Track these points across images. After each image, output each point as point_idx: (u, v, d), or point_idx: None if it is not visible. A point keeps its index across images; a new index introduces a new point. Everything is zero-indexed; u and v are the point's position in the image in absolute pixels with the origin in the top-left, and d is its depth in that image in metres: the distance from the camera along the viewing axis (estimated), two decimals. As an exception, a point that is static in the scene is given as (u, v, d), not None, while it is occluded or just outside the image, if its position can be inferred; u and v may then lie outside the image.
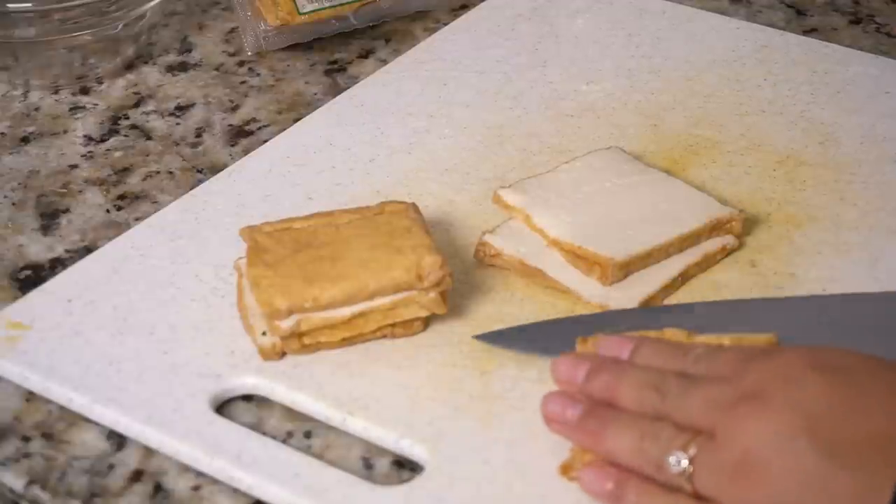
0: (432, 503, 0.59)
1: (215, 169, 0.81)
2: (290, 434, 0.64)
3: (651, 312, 0.68)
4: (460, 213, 0.76)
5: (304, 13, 0.92)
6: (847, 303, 0.68)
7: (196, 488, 0.61)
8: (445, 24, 0.95)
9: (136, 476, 0.62)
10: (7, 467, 0.63)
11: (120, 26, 0.90)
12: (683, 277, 0.70)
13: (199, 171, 0.82)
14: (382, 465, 0.62)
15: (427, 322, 0.68)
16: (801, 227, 0.75)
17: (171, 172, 0.82)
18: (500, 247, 0.71)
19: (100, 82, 0.91)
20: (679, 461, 0.55)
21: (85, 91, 0.90)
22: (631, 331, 0.62)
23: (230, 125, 0.87)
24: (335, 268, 0.66)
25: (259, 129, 0.86)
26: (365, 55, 0.94)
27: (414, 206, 0.70)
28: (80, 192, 0.81)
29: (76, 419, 0.65)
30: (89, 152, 0.84)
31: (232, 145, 0.85)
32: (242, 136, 0.86)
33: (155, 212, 0.77)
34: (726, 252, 0.72)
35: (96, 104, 0.89)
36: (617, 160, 0.76)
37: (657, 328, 0.62)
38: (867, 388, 0.54)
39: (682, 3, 0.96)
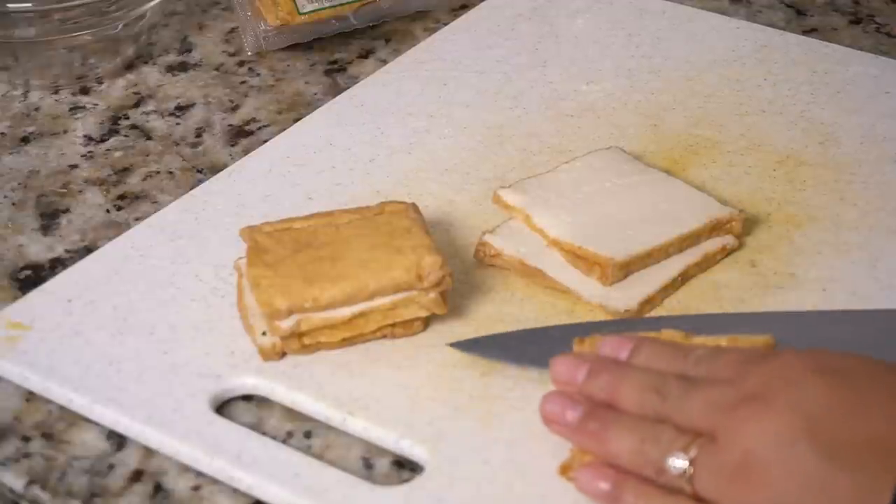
0: (432, 503, 0.59)
1: (215, 169, 0.81)
2: (290, 434, 0.64)
3: (628, 324, 0.67)
4: (460, 213, 0.76)
5: (304, 13, 0.92)
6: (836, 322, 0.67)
7: (196, 488, 0.61)
8: (445, 24, 0.95)
9: (136, 476, 0.62)
10: (7, 467, 0.63)
11: (120, 26, 0.90)
12: (683, 277, 0.70)
13: (199, 171, 0.82)
14: (382, 465, 0.62)
15: (427, 322, 0.68)
16: (801, 227, 0.75)
17: (171, 172, 0.82)
18: (500, 247, 0.71)
19: (100, 82, 0.91)
20: (679, 463, 0.55)
21: (85, 91, 0.90)
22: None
23: (230, 125, 0.87)
24: (335, 268, 0.66)
25: (259, 129, 0.86)
26: (365, 55, 0.94)
27: (414, 206, 0.70)
28: (80, 192, 0.81)
29: (76, 419, 0.65)
30: (89, 152, 0.84)
31: (232, 145, 0.85)
32: (242, 136, 0.86)
33: (155, 212, 0.77)
34: (726, 252, 0.72)
35: (96, 104, 0.89)
36: (617, 160, 0.76)
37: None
38: (867, 390, 0.54)
39: (682, 3, 0.96)
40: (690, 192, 0.74)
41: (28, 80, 0.90)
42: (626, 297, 0.69)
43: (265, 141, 0.83)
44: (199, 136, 0.86)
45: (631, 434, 0.56)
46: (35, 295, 0.70)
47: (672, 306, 0.69)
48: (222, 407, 0.65)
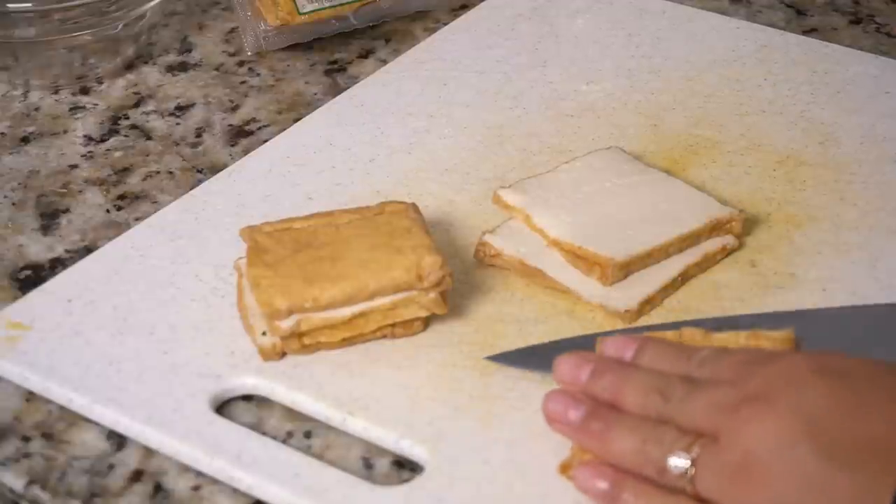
0: (432, 503, 0.59)
1: (215, 169, 0.81)
2: (290, 434, 0.64)
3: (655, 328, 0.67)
4: (460, 213, 0.76)
5: (304, 13, 0.92)
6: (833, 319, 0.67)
7: (196, 488, 0.61)
8: (445, 24, 0.95)
9: (136, 476, 0.62)
10: (7, 467, 0.63)
11: (120, 26, 0.90)
12: (683, 277, 0.70)
13: (199, 171, 0.82)
14: (382, 465, 0.62)
15: (427, 322, 0.68)
16: (801, 227, 0.75)
17: (171, 172, 0.82)
18: (500, 247, 0.71)
19: (100, 82, 0.91)
20: (681, 463, 0.55)
21: (85, 91, 0.90)
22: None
23: (230, 125, 0.87)
24: (335, 268, 0.66)
25: (259, 129, 0.86)
26: (365, 55, 0.94)
27: (414, 206, 0.70)
28: (80, 192, 0.81)
29: (76, 419, 0.65)
30: (89, 152, 0.84)
31: (232, 145, 0.85)
32: (242, 136, 0.86)
33: (155, 212, 0.77)
34: (726, 252, 0.72)
35: (96, 104, 0.89)
36: (617, 160, 0.76)
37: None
38: (868, 392, 0.54)
39: (682, 3, 0.96)
40: (690, 192, 0.74)
41: (28, 80, 0.90)
42: (626, 297, 0.69)
43: (265, 141, 0.83)
44: (199, 136, 0.86)
45: (633, 434, 0.56)
46: (35, 295, 0.70)
47: (672, 306, 0.69)
48: (222, 407, 0.65)
